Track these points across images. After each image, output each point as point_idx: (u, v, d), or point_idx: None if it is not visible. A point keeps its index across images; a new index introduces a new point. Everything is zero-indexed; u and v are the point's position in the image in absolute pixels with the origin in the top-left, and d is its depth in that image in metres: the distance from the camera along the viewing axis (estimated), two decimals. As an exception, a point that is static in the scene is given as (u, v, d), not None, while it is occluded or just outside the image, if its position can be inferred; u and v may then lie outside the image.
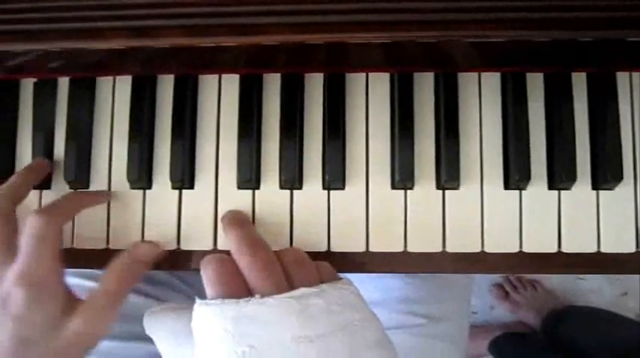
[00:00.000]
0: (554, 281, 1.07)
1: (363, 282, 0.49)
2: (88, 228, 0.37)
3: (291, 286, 0.29)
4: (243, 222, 0.34)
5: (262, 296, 0.28)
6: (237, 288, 0.29)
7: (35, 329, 0.31)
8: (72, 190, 0.37)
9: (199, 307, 0.29)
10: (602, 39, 0.31)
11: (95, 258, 0.38)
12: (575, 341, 0.87)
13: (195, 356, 0.29)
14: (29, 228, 0.31)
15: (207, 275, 0.30)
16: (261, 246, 0.31)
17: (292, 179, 0.36)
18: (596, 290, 1.07)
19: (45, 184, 0.37)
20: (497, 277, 1.08)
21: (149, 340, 0.49)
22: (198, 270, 0.36)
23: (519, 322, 1.05)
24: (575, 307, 1.01)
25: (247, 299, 0.28)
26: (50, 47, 0.27)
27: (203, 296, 0.52)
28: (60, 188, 0.37)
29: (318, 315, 0.27)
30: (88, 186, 0.37)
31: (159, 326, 0.33)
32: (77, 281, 0.49)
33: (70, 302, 0.33)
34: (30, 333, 0.31)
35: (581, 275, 1.08)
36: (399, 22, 0.30)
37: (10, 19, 0.28)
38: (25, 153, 0.38)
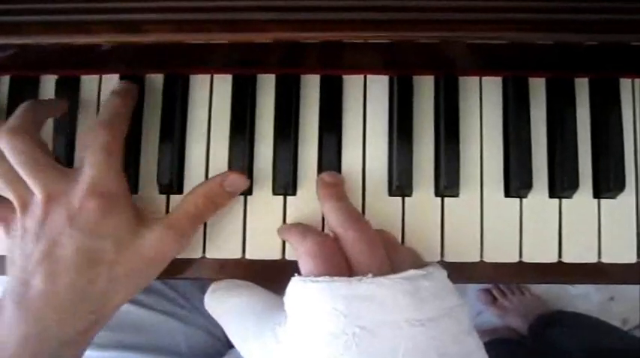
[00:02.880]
0: (541, 286, 1.07)
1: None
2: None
3: (392, 268, 0.28)
4: (343, 194, 0.32)
5: (374, 275, 0.26)
6: (340, 265, 0.28)
7: (107, 241, 0.29)
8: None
9: (302, 283, 0.27)
10: (605, 43, 0.30)
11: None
12: (560, 347, 0.87)
13: (286, 336, 0.26)
14: (97, 141, 0.30)
15: (307, 248, 0.28)
16: (366, 223, 0.30)
17: (287, 184, 0.34)
18: (583, 296, 1.08)
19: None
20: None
21: (142, 350, 0.48)
22: (197, 279, 0.35)
23: (507, 327, 1.05)
24: (562, 312, 1.01)
25: (359, 278, 0.26)
26: (30, 41, 0.25)
27: (194, 307, 0.50)
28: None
29: (428, 299, 0.26)
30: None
31: (225, 303, 0.30)
32: None
33: (144, 218, 0.31)
34: (101, 246, 0.29)
35: (570, 281, 1.08)
36: (399, 22, 0.29)
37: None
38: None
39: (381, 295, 0.25)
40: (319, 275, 0.27)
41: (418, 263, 0.30)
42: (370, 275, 0.26)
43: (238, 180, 0.33)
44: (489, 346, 0.95)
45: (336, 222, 0.30)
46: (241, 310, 0.30)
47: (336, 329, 0.25)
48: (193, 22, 0.26)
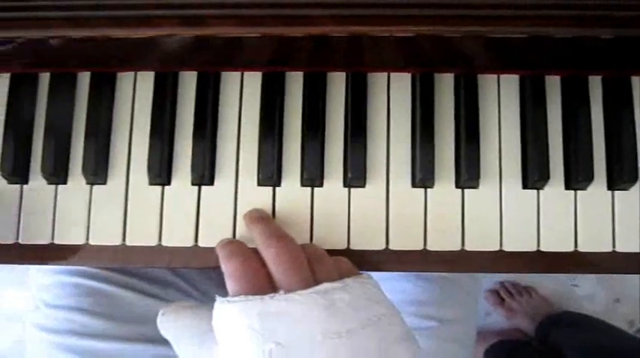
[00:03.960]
0: (549, 287, 1.08)
1: (374, 284, 0.50)
2: (103, 223, 0.37)
3: (312, 282, 0.29)
4: (267, 218, 0.34)
5: (287, 291, 0.27)
6: (261, 284, 0.29)
7: None
8: (88, 186, 0.37)
9: (222, 304, 0.28)
10: (620, 38, 0.32)
11: (110, 254, 0.37)
12: (565, 348, 0.88)
13: (218, 355, 0.28)
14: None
15: (229, 270, 0.30)
16: (288, 239, 0.31)
17: (314, 176, 0.36)
18: (589, 297, 1.09)
19: (62, 179, 0.37)
20: (492, 283, 1.09)
21: (156, 342, 0.49)
22: (217, 267, 0.36)
23: (515, 328, 1.06)
24: (568, 313, 1.02)
25: (272, 295, 0.27)
26: (99, 34, 0.27)
27: (206, 294, 0.52)
28: (77, 183, 0.37)
29: (344, 310, 0.27)
30: (105, 182, 0.37)
31: (174, 326, 0.32)
32: (77, 280, 0.48)
33: None
34: None
35: (576, 282, 1.09)
36: (422, 17, 0.31)
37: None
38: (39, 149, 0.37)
39: (294, 310, 0.26)
40: (240, 295, 0.28)
41: (346, 274, 0.30)
42: (282, 291, 0.27)
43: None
44: (497, 347, 0.96)
45: (258, 242, 0.31)
46: (187, 332, 0.31)
47: (254, 347, 0.26)
48: (254, 17, 0.28)
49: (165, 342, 0.50)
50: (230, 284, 0.29)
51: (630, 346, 0.80)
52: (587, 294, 1.09)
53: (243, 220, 0.35)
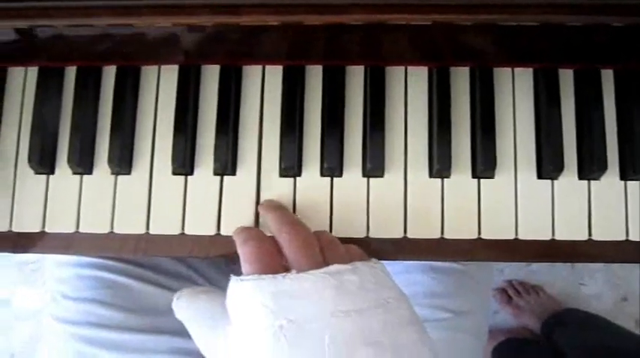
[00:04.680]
0: (556, 286, 1.09)
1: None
2: (127, 212, 0.38)
3: (325, 264, 0.30)
4: (280, 206, 0.36)
5: (299, 272, 0.28)
6: (275, 266, 0.30)
7: None
8: (113, 176, 0.38)
9: (236, 283, 0.29)
10: (630, 27, 0.32)
11: (133, 244, 0.38)
12: (567, 346, 0.88)
13: (231, 333, 0.29)
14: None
15: (245, 252, 0.31)
16: (301, 225, 0.32)
17: (334, 167, 0.37)
18: (596, 296, 1.09)
19: (88, 169, 0.38)
20: (500, 282, 1.09)
21: (172, 334, 0.50)
22: (235, 255, 0.37)
23: (523, 327, 1.06)
24: (572, 311, 1.02)
25: (284, 274, 0.28)
26: (140, 22, 0.28)
27: (219, 288, 0.52)
28: (102, 174, 0.38)
29: (354, 291, 0.28)
30: (130, 172, 0.38)
31: (189, 309, 0.33)
32: (95, 272, 0.49)
33: None
34: None
35: (583, 281, 1.10)
36: (437, 5, 0.32)
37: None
38: (66, 140, 0.38)
39: (306, 289, 0.27)
40: (253, 275, 0.29)
41: (357, 259, 0.31)
42: (294, 271, 0.28)
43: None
44: (504, 345, 0.96)
45: (273, 228, 0.33)
46: (201, 314, 0.32)
47: (266, 323, 0.27)
48: (287, 6, 0.29)
49: (181, 334, 0.51)
50: (245, 266, 0.31)
51: (634, 345, 0.80)
52: (595, 293, 1.09)
53: (259, 210, 0.37)
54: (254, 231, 0.34)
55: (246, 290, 0.28)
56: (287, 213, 0.34)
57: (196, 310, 0.32)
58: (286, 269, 0.30)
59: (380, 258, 0.38)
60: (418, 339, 0.28)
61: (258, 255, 0.30)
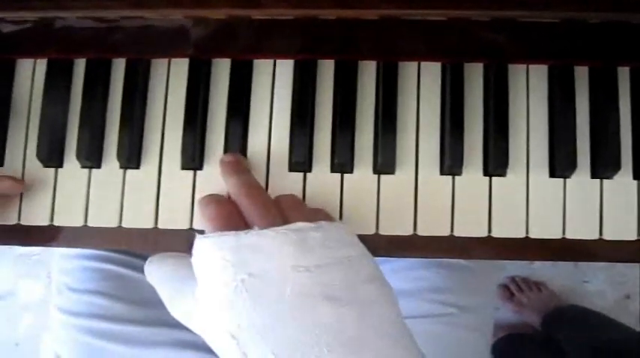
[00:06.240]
0: (559, 283, 1.09)
1: (396, 272, 0.50)
2: (136, 206, 0.37)
3: (284, 223, 0.30)
4: (243, 169, 0.36)
5: (260, 228, 0.29)
6: (236, 224, 0.31)
7: None
8: (122, 170, 0.38)
9: (199, 240, 0.29)
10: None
11: (142, 238, 0.38)
12: (568, 342, 0.88)
13: (197, 293, 0.29)
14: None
15: (207, 213, 0.32)
16: (260, 190, 0.33)
17: (344, 162, 0.36)
18: (598, 293, 1.09)
19: (97, 163, 0.38)
20: (502, 278, 1.09)
21: (175, 326, 0.50)
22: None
23: (524, 323, 1.07)
24: (572, 307, 1.03)
25: (246, 231, 0.28)
26: (156, 15, 0.28)
27: None
28: (111, 167, 0.38)
29: (315, 248, 0.28)
30: (139, 167, 0.38)
31: (159, 272, 0.33)
32: (99, 264, 0.49)
33: None
34: None
35: (586, 278, 1.10)
36: (455, 0, 0.31)
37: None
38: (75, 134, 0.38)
39: (267, 245, 0.28)
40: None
41: (322, 219, 0.31)
42: (256, 227, 0.29)
43: (9, 186, 0.37)
44: (505, 340, 0.97)
45: (231, 191, 0.33)
46: (169, 277, 0.32)
47: (228, 278, 0.27)
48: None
49: (184, 327, 0.51)
50: (207, 226, 0.32)
51: (635, 342, 0.80)
52: (598, 290, 1.09)
53: (220, 167, 0.36)
54: (215, 195, 0.35)
55: (208, 246, 0.28)
56: (247, 178, 0.35)
57: (165, 273, 0.33)
58: (246, 227, 0.31)
59: (389, 255, 0.38)
60: (379, 295, 0.28)
61: (218, 214, 0.31)
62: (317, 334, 0.25)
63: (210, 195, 0.35)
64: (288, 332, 0.25)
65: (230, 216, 0.31)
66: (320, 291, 0.26)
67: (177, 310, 0.31)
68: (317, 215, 0.33)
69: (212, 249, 0.28)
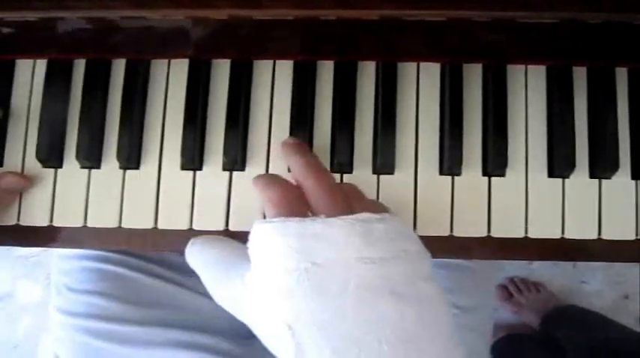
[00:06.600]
0: (558, 283, 1.09)
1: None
2: (136, 207, 0.37)
3: (350, 213, 0.28)
4: (306, 150, 0.34)
5: (326, 216, 0.27)
6: (300, 210, 0.29)
7: None
8: (121, 170, 0.38)
9: (261, 224, 0.28)
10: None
11: (141, 238, 0.38)
12: (567, 342, 0.89)
13: (251, 280, 0.28)
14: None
15: (269, 196, 0.30)
16: (327, 172, 0.31)
17: (344, 163, 0.37)
18: (597, 293, 1.10)
19: (96, 163, 0.38)
20: (501, 278, 1.09)
21: (173, 326, 0.50)
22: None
23: (523, 324, 1.07)
24: (571, 307, 1.03)
25: (313, 218, 0.27)
26: (157, 16, 0.28)
27: None
28: (110, 168, 0.38)
29: (380, 239, 0.27)
30: (139, 167, 0.38)
31: (203, 254, 0.32)
32: (97, 265, 0.49)
33: None
34: None
35: (584, 278, 1.10)
36: (456, 1, 0.31)
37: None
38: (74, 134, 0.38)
39: (333, 234, 0.26)
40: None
41: (382, 211, 0.30)
42: (323, 215, 0.27)
43: (14, 181, 0.36)
44: (504, 340, 0.96)
45: (297, 173, 0.31)
46: (214, 261, 0.31)
47: (290, 264, 0.26)
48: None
49: (184, 327, 0.51)
50: (269, 210, 0.29)
51: (633, 342, 0.81)
52: (596, 291, 1.09)
53: (281, 149, 0.35)
54: (277, 176, 0.33)
55: (272, 231, 0.27)
56: (312, 158, 0.33)
57: (210, 256, 0.31)
58: (311, 213, 0.29)
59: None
60: (436, 293, 0.27)
61: (282, 197, 0.29)
62: (378, 329, 0.24)
63: (270, 175, 0.33)
64: (348, 326, 0.24)
65: (295, 200, 0.29)
66: (383, 285, 0.25)
67: (222, 295, 0.30)
68: (378, 207, 0.31)
69: (275, 234, 0.27)
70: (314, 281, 0.25)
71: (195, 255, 0.32)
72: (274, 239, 0.27)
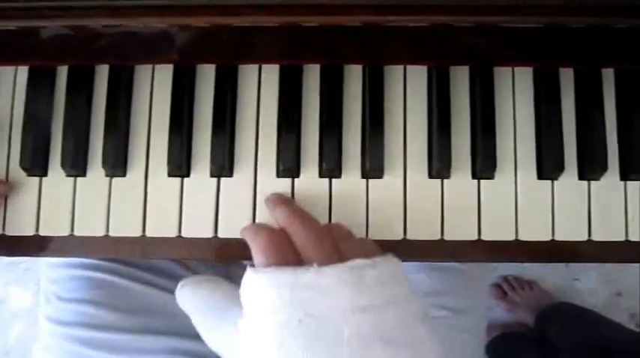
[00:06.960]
0: (551, 281, 1.10)
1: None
2: (123, 215, 0.37)
3: (340, 258, 0.29)
4: (290, 200, 0.35)
5: (318, 265, 0.27)
6: (289, 258, 0.29)
7: None
8: (108, 178, 0.37)
9: (253, 274, 0.28)
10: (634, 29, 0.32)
11: (130, 246, 0.38)
12: (561, 340, 0.89)
13: (244, 327, 0.28)
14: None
15: (259, 243, 0.30)
16: (313, 220, 0.31)
17: (332, 167, 0.36)
18: (590, 291, 1.10)
19: (82, 171, 0.37)
20: (494, 277, 1.10)
21: (164, 334, 0.50)
22: (235, 260, 0.36)
23: (517, 322, 1.07)
24: (564, 305, 1.03)
25: (305, 267, 0.27)
26: (135, 24, 0.27)
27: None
28: (96, 176, 0.37)
29: (372, 286, 0.27)
30: (125, 174, 0.37)
31: (193, 298, 0.32)
32: (87, 273, 0.49)
33: None
34: None
35: (577, 276, 1.10)
36: (437, 7, 0.31)
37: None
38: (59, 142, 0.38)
39: (325, 284, 0.26)
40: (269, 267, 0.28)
41: (372, 253, 0.30)
42: (315, 264, 0.27)
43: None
44: (499, 339, 0.97)
45: (283, 221, 0.31)
46: (206, 306, 0.31)
47: (282, 317, 0.26)
48: (286, 7, 0.28)
49: (175, 334, 0.50)
50: (258, 258, 0.29)
51: (626, 339, 0.81)
52: (589, 288, 1.10)
53: (265, 205, 0.36)
54: (262, 224, 0.33)
55: (263, 282, 0.27)
56: (296, 207, 0.33)
57: (200, 300, 0.31)
58: (300, 261, 0.29)
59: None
60: (429, 333, 0.28)
61: (271, 245, 0.29)
62: None
63: (258, 223, 0.34)
64: None
65: (284, 248, 0.29)
66: (376, 332, 0.26)
67: (216, 341, 0.30)
68: (366, 246, 0.31)
69: (267, 286, 0.27)
70: (307, 333, 0.25)
71: (187, 299, 0.32)
72: (266, 291, 0.27)
